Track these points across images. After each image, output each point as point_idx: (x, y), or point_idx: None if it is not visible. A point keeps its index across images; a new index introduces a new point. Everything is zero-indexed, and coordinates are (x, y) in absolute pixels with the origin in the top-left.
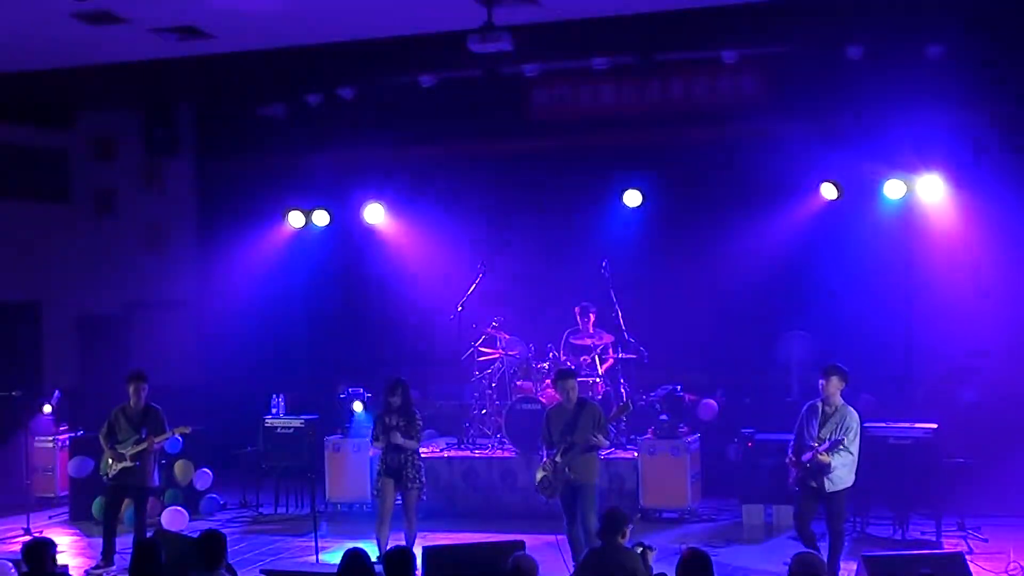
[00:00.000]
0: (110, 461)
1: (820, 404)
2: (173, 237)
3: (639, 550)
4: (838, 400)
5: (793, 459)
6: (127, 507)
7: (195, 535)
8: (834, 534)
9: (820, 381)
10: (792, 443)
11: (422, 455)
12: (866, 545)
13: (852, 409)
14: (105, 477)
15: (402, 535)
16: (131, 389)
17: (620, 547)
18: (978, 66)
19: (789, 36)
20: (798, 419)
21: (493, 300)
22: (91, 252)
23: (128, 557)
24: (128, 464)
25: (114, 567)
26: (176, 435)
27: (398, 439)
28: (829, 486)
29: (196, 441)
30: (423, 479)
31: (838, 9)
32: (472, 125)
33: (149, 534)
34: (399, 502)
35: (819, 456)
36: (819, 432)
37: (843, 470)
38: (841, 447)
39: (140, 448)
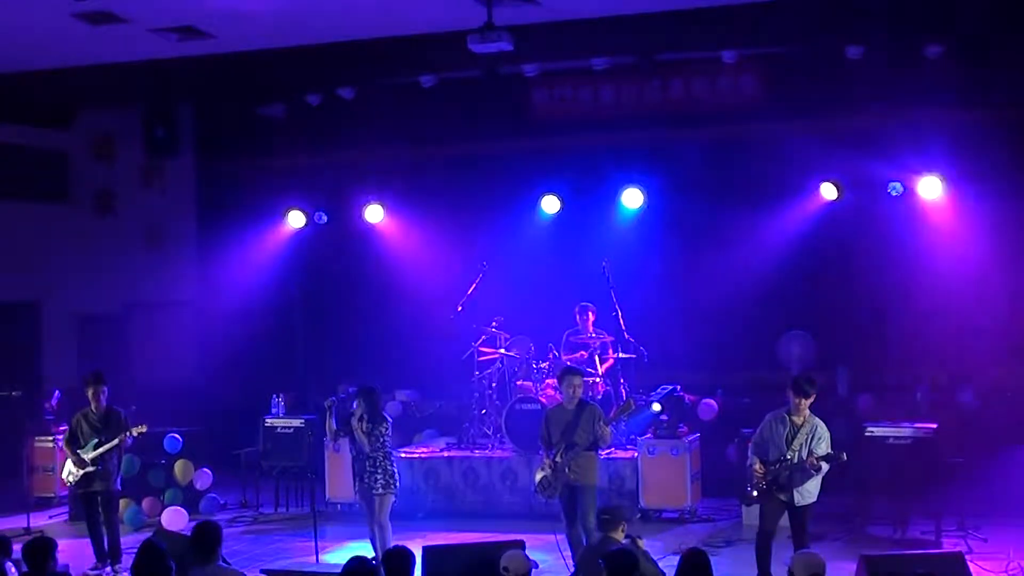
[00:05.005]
0: (72, 467)
1: (787, 415)
2: (173, 237)
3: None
4: (807, 412)
5: (761, 468)
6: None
7: None
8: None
9: (798, 399)
10: (753, 448)
11: (423, 455)
12: (865, 545)
13: (819, 420)
14: (68, 483)
15: (401, 535)
16: (89, 393)
17: (616, 543)
18: (977, 66)
19: (789, 36)
20: (760, 427)
21: (493, 300)
22: (91, 252)
23: (120, 556)
24: (90, 469)
25: (108, 567)
26: (133, 434)
27: (364, 443)
28: (799, 499)
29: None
30: (391, 481)
31: (838, 9)
32: (472, 125)
33: (148, 534)
34: None
35: (811, 464)
36: (789, 446)
37: (814, 484)
38: (834, 460)
39: (99, 452)
